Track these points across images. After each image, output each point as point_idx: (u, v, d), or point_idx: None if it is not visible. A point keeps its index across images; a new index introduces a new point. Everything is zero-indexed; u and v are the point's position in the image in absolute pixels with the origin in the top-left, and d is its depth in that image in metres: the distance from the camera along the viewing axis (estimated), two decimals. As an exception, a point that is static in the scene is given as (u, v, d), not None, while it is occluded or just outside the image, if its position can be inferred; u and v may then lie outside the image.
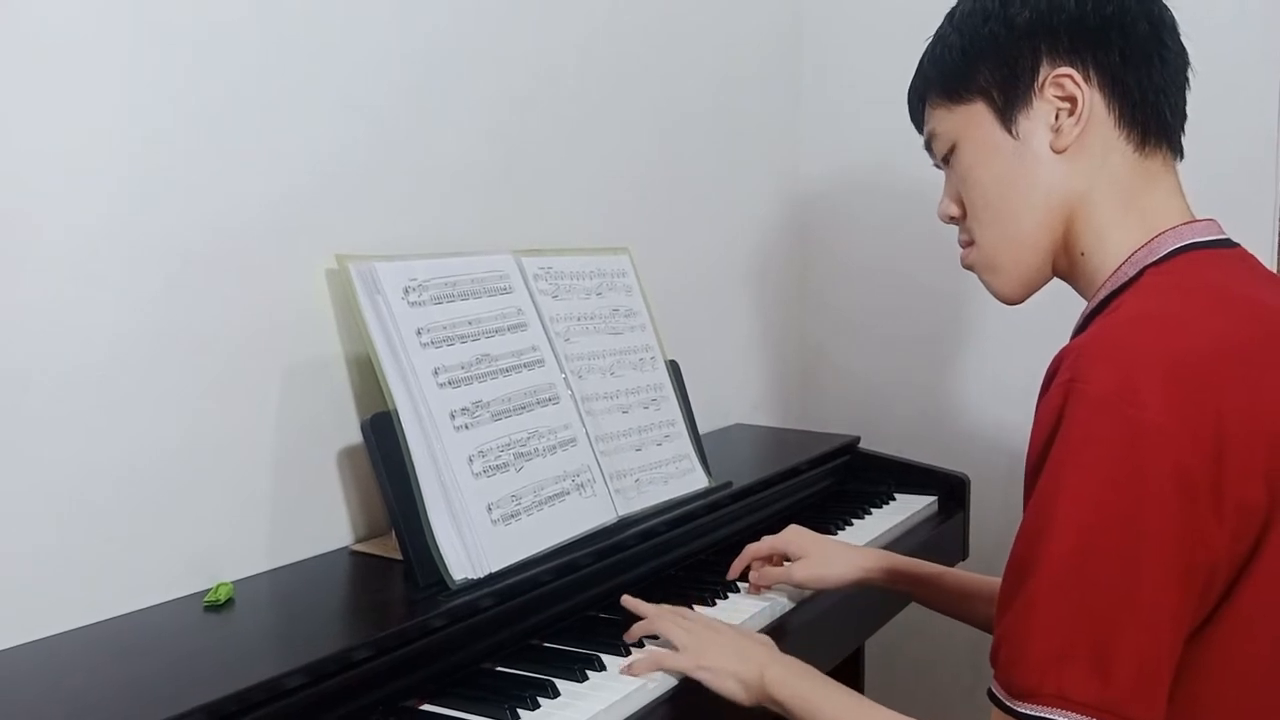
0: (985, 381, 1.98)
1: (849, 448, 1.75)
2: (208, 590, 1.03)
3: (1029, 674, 0.76)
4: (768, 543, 1.27)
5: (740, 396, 1.98)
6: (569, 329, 1.31)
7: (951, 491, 1.68)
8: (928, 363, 2.03)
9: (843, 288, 2.11)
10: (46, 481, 0.95)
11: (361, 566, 1.15)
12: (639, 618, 1.09)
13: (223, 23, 1.07)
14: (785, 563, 1.26)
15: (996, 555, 1.90)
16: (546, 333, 1.27)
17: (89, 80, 0.97)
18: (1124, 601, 0.74)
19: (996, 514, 1.86)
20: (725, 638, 1.05)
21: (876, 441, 1.80)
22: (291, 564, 1.14)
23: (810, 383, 2.17)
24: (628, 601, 1.12)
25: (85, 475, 0.98)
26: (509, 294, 1.24)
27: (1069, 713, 0.74)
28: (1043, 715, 0.75)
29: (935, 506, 1.66)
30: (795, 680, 0.98)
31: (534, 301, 1.27)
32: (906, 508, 1.62)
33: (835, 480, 1.71)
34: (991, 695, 0.79)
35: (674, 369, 1.46)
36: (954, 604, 1.23)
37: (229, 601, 1.02)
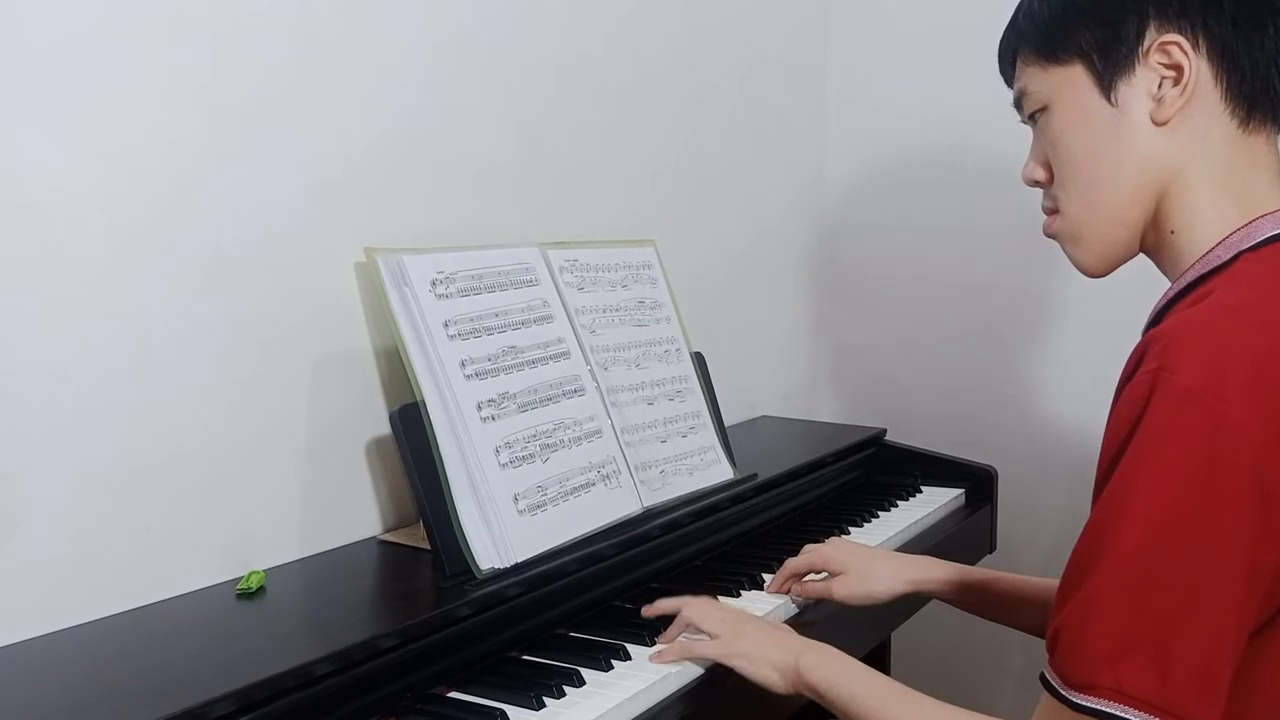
0: (1013, 374, 1.96)
1: (875, 440, 1.74)
2: (240, 578, 1.05)
3: (1087, 666, 0.74)
4: (806, 559, 1.22)
5: (766, 389, 1.98)
6: (594, 321, 1.31)
7: (979, 484, 1.67)
8: (955, 355, 2.02)
9: (869, 280, 2.10)
10: (82, 472, 0.97)
11: (390, 556, 1.17)
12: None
13: (251, 20, 1.09)
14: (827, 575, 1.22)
15: (1024, 548, 1.90)
16: (572, 325, 1.27)
17: (121, 78, 0.98)
18: (1189, 601, 0.72)
19: (1024, 507, 1.85)
20: (757, 626, 1.05)
21: (903, 434, 1.79)
22: (322, 553, 1.16)
23: (836, 376, 2.16)
24: (650, 611, 1.10)
25: (120, 466, 1.00)
26: (535, 286, 1.25)
27: (1125, 707, 0.72)
28: (1099, 708, 0.73)
29: (962, 499, 1.65)
30: (830, 666, 0.96)
31: (560, 294, 1.28)
32: (933, 500, 1.61)
33: (862, 473, 1.71)
34: (1045, 682, 0.77)
35: (699, 361, 1.46)
36: (1003, 610, 1.19)
37: (260, 589, 1.04)
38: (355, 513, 1.21)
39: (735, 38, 1.84)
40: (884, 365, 2.10)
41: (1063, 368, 1.89)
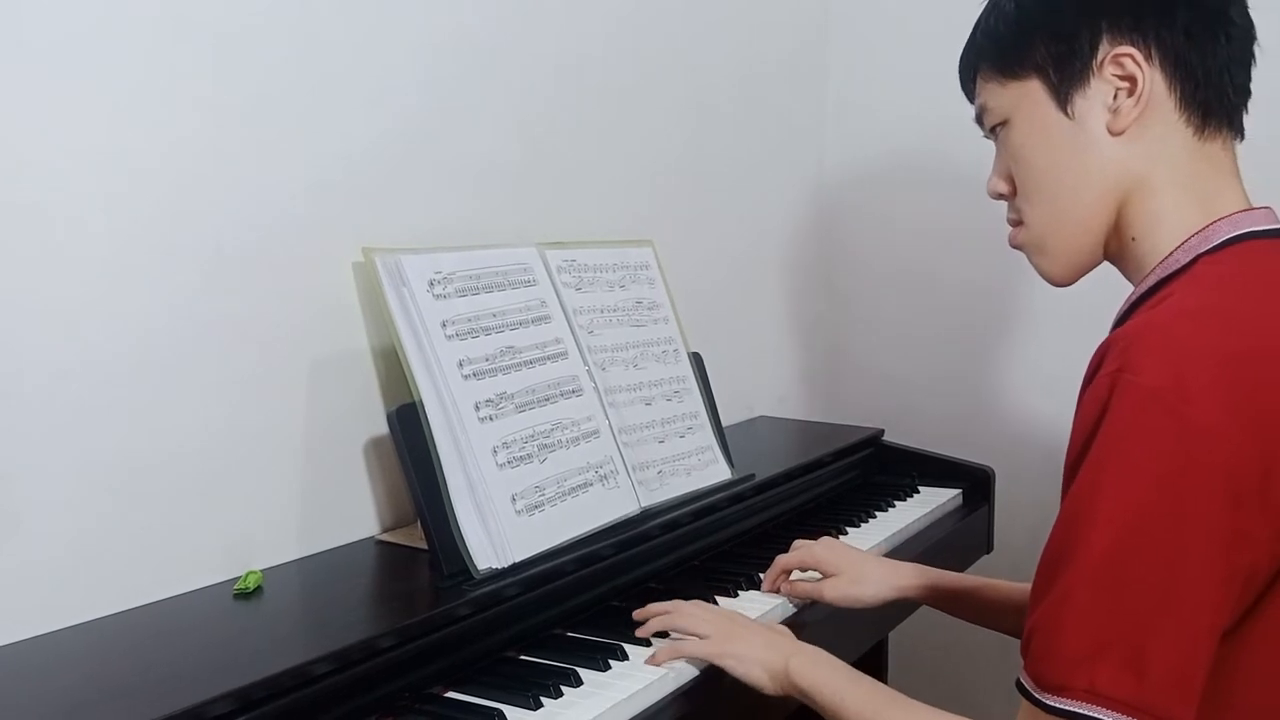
0: (1011, 374, 1.97)
1: (873, 440, 1.74)
2: (238, 578, 1.05)
3: (1061, 668, 0.75)
4: (797, 556, 1.23)
5: (764, 389, 1.98)
6: (592, 321, 1.31)
7: (976, 484, 1.67)
8: (953, 356, 2.02)
9: (867, 280, 2.11)
10: (82, 472, 0.97)
11: (388, 556, 1.17)
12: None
13: (251, 20, 1.09)
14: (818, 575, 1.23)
15: (1022, 549, 1.89)
16: (570, 325, 1.28)
17: (121, 78, 0.99)
18: (1163, 600, 0.73)
19: (1022, 507, 1.85)
20: (749, 627, 1.05)
21: (901, 435, 1.80)
22: (319, 553, 1.16)
23: (835, 376, 2.17)
24: (641, 615, 1.10)
25: (120, 466, 1.00)
26: (533, 286, 1.25)
27: (1100, 709, 0.72)
28: (1073, 710, 0.73)
29: (960, 499, 1.65)
30: (820, 669, 0.97)
31: (557, 294, 1.28)
32: (930, 500, 1.61)
33: (859, 473, 1.71)
34: (1020, 687, 0.78)
35: (696, 361, 1.46)
36: (988, 616, 1.20)
37: (258, 589, 1.04)
38: (353, 513, 1.21)
39: (735, 38, 1.84)
40: (882, 365, 2.10)
41: (1061, 368, 1.89)
